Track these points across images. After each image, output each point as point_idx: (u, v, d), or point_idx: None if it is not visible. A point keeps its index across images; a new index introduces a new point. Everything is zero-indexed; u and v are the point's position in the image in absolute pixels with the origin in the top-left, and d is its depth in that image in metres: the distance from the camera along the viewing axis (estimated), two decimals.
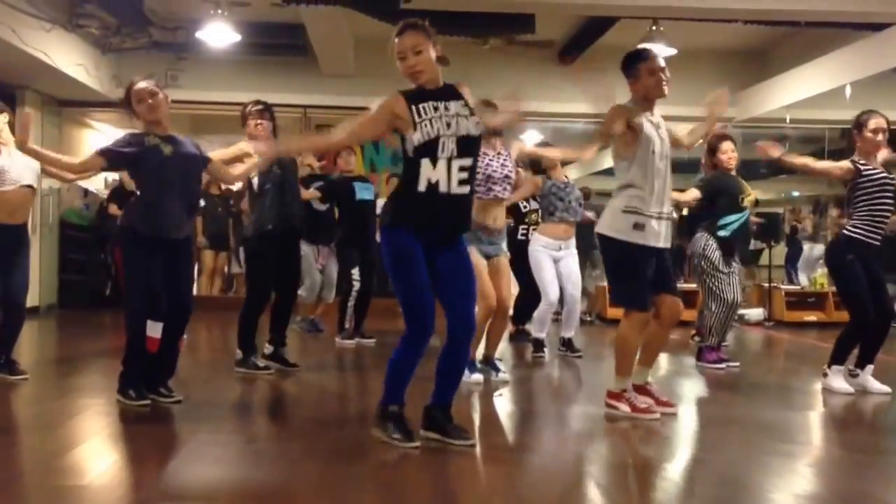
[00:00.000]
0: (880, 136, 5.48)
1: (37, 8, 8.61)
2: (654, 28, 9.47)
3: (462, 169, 3.71)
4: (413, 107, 3.71)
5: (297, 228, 6.12)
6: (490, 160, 5.54)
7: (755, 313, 10.70)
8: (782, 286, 11.36)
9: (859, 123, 5.57)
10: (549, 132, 13.89)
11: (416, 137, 3.68)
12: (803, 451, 4.30)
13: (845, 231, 5.56)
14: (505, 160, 5.64)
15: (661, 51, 9.63)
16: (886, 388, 5.56)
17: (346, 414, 5.07)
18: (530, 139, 14.11)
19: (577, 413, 5.10)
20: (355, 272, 7.71)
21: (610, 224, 4.59)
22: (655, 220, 4.53)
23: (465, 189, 3.75)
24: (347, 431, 4.38)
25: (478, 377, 5.59)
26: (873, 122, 5.49)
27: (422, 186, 3.70)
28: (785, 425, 4.85)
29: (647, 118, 4.63)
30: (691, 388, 6.03)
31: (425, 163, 3.69)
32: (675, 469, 3.87)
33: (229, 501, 3.24)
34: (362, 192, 7.75)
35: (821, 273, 10.89)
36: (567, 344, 7.20)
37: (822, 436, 4.84)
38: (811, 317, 10.53)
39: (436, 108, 3.71)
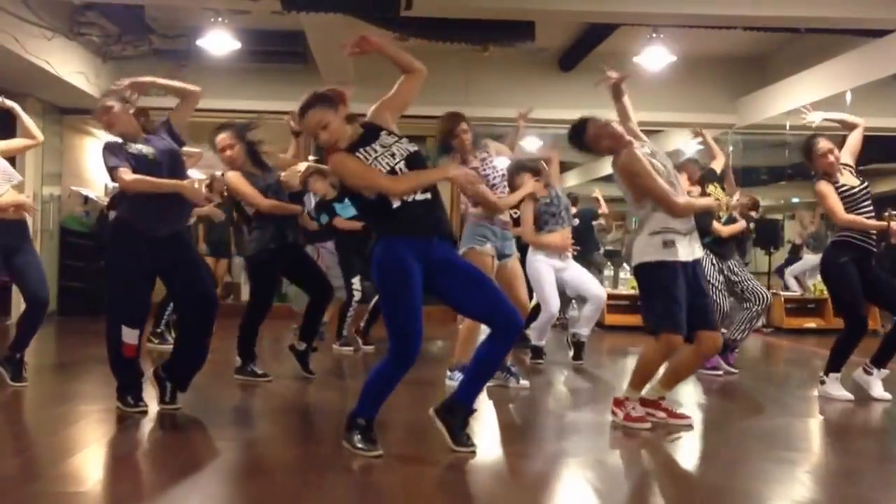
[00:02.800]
0: (831, 157, 5.57)
1: (38, 16, 8.62)
2: (653, 35, 9.48)
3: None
4: (359, 154, 3.86)
5: (298, 244, 6.17)
6: (486, 168, 5.71)
7: None
8: (782, 293, 11.35)
9: (809, 150, 5.65)
10: (548, 138, 13.92)
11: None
12: (803, 458, 4.30)
13: (838, 237, 5.62)
14: (495, 164, 5.78)
15: (661, 58, 9.67)
16: (888, 396, 5.57)
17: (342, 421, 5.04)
18: (530, 145, 14.16)
19: (577, 420, 5.09)
20: (356, 281, 7.71)
21: (642, 251, 4.61)
22: (683, 237, 4.58)
23: (428, 195, 3.87)
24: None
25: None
26: (820, 146, 5.59)
27: (396, 203, 3.81)
28: (784, 432, 4.86)
29: (643, 154, 4.72)
30: (691, 395, 6.02)
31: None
32: (673, 477, 3.86)
33: None
34: (343, 211, 7.66)
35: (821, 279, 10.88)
36: (577, 346, 7.20)
37: (822, 443, 4.83)
38: (811, 323, 10.52)
39: (375, 150, 3.87)
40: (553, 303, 6.86)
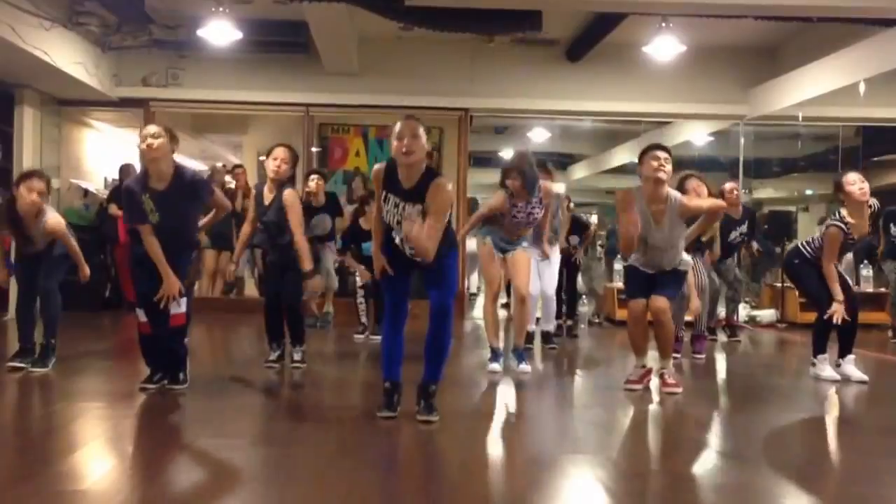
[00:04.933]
0: (862, 187, 5.91)
1: (36, 6, 8.49)
2: (663, 25, 9.30)
3: (412, 249, 4.28)
4: (384, 192, 4.34)
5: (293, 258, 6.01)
6: (518, 212, 6.02)
7: (767, 314, 10.53)
8: None
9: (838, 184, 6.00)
10: (556, 130, 13.77)
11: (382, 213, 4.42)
12: (817, 455, 4.24)
13: (802, 248, 6.17)
14: (533, 208, 6.06)
15: (671, 48, 9.49)
16: (864, 377, 5.96)
17: (352, 413, 4.91)
18: (537, 137, 14.00)
19: (585, 416, 4.96)
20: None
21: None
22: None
23: (417, 258, 4.31)
24: (352, 430, 4.30)
25: (495, 366, 6.05)
26: (848, 178, 5.96)
27: (387, 223, 4.40)
28: (797, 429, 4.85)
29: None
30: (700, 391, 5.90)
31: (386, 228, 4.43)
32: (685, 475, 3.73)
33: None
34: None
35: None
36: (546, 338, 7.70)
37: (836, 439, 4.74)
38: (813, 317, 10.32)
39: (396, 205, 4.28)
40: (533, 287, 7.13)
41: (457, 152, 11.13)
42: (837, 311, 5.82)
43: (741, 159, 11.77)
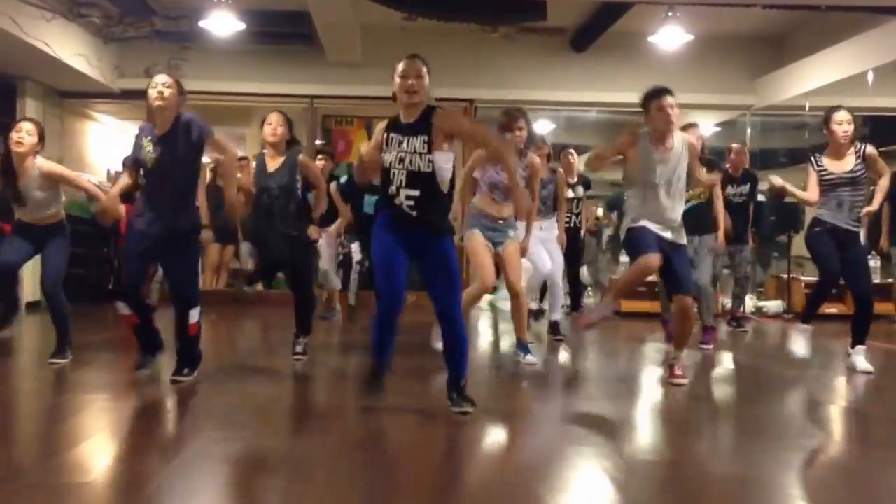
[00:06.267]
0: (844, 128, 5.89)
1: None
2: (668, 14, 9.23)
3: (409, 198, 4.17)
4: (386, 134, 4.26)
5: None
6: (496, 172, 5.79)
7: (774, 305, 10.47)
8: (802, 277, 11.09)
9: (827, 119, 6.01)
10: (561, 121, 13.68)
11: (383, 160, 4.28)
12: (825, 446, 4.20)
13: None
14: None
15: (677, 37, 9.42)
16: (870, 367, 5.81)
17: (352, 407, 4.88)
18: (543, 128, 13.92)
19: (592, 409, 4.91)
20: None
21: None
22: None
23: (415, 212, 4.19)
24: (355, 425, 4.27)
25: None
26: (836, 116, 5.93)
27: (389, 191, 4.22)
28: (805, 420, 4.82)
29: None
30: (708, 382, 5.87)
31: (386, 181, 4.24)
32: (691, 466, 3.69)
33: (234, 500, 3.13)
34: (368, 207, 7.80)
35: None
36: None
37: (844, 431, 4.68)
38: (832, 309, 10.24)
39: (400, 143, 4.20)
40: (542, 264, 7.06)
41: (463, 144, 11.06)
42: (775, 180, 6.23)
43: (748, 149, 11.65)
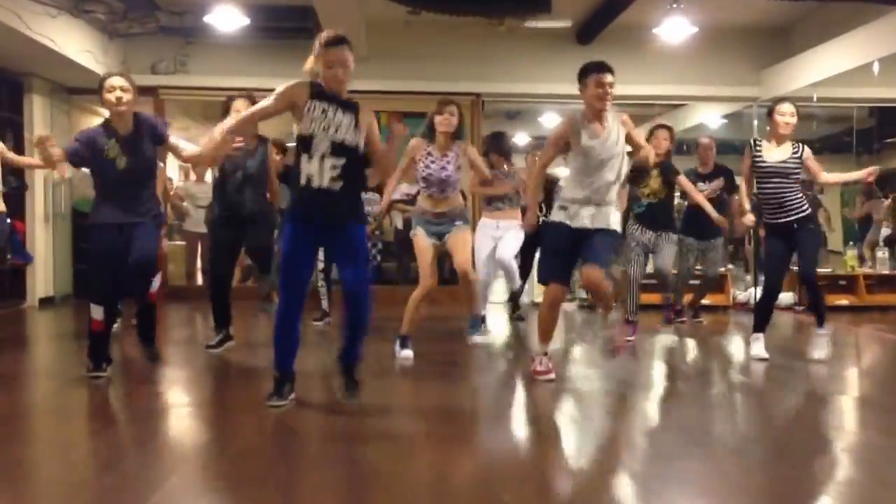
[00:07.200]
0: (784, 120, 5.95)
1: None
2: (674, 6, 9.20)
3: (334, 167, 4.20)
4: (311, 101, 4.22)
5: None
6: (431, 162, 6.00)
7: (785, 298, 10.42)
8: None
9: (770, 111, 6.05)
10: (566, 114, 13.66)
11: (301, 128, 4.21)
12: (839, 436, 4.20)
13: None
14: (446, 164, 6.04)
15: (683, 29, 9.39)
16: (766, 355, 5.96)
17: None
18: (549, 121, 13.90)
19: (601, 401, 4.92)
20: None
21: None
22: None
23: (337, 185, 4.21)
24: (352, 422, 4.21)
25: (408, 353, 5.93)
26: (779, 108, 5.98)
27: (302, 180, 4.21)
28: (817, 411, 4.82)
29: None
30: (724, 375, 5.86)
31: (304, 157, 4.21)
32: (707, 458, 3.69)
33: (247, 496, 3.14)
34: None
35: (851, 255, 10.61)
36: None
37: (858, 421, 4.69)
38: (843, 300, 10.22)
39: (324, 111, 4.21)
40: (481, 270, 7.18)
41: (470, 138, 11.04)
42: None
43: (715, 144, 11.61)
